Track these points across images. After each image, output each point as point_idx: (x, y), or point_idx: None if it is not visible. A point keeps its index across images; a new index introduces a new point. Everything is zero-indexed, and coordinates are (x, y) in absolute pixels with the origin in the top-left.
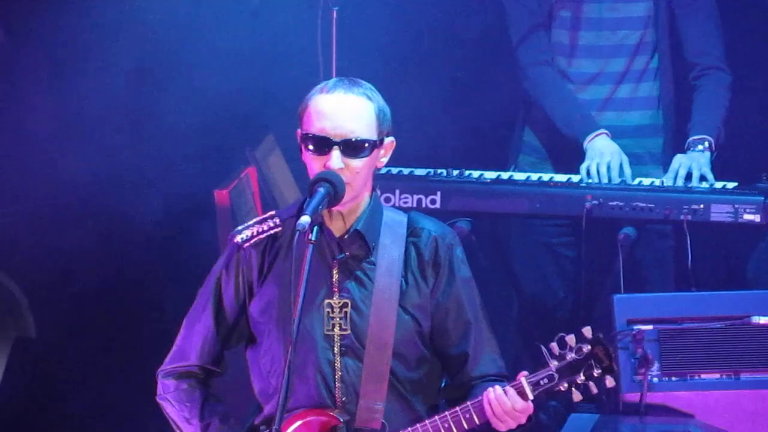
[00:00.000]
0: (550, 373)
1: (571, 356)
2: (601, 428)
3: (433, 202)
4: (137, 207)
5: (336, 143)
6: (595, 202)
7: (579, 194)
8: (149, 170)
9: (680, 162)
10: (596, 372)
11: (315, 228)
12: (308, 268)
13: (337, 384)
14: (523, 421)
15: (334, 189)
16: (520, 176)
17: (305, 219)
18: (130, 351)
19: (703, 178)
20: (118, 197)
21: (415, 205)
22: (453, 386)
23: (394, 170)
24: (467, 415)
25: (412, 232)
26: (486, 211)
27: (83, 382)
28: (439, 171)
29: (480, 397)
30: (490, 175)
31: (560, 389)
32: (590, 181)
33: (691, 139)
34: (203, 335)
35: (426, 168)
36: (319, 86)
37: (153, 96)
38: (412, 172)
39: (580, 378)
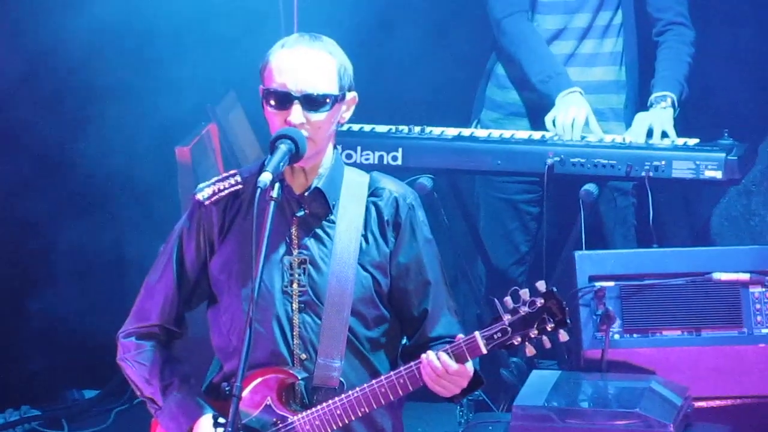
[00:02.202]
0: (503, 326)
1: (524, 310)
2: (563, 384)
3: (394, 158)
4: (100, 163)
5: (296, 98)
6: (556, 158)
7: (540, 151)
8: (111, 127)
9: (642, 119)
10: (549, 326)
11: (277, 185)
12: (270, 225)
13: (296, 341)
14: (464, 384)
15: (296, 146)
16: (481, 133)
17: (266, 176)
18: (91, 308)
19: (665, 135)
20: (82, 152)
21: (376, 161)
22: (411, 347)
23: (356, 127)
24: (401, 381)
25: (374, 191)
26: (448, 168)
27: (45, 338)
28: (400, 128)
29: (412, 364)
30: (451, 132)
31: (514, 343)
32: (553, 133)
33: (653, 95)
34: (164, 294)
35: (388, 124)
36: (280, 42)
37: (113, 52)
38: (373, 128)
39: (534, 332)
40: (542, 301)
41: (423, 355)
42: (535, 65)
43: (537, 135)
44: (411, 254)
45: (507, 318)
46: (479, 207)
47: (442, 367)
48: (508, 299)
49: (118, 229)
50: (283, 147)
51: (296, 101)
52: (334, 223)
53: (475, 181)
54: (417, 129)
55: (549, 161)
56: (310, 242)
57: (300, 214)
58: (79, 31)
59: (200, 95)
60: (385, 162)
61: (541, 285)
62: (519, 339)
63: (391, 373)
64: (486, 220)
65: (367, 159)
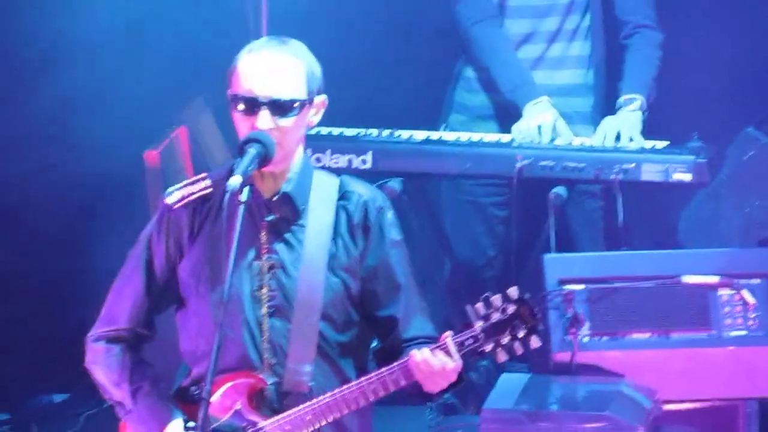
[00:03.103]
0: (475, 333)
1: (496, 316)
2: (533, 387)
3: (363, 162)
4: (68, 168)
5: (264, 103)
6: (525, 161)
7: (509, 154)
8: (81, 131)
9: (609, 123)
10: (521, 332)
11: (246, 189)
12: (239, 229)
13: (265, 345)
14: (454, 379)
15: (265, 149)
16: (450, 136)
17: (236, 179)
18: (61, 313)
19: (631, 139)
20: (48, 158)
21: (345, 165)
22: (383, 349)
23: (325, 130)
24: (393, 377)
25: (343, 195)
26: (417, 172)
27: (14, 343)
28: (369, 131)
29: (406, 359)
30: (420, 135)
31: (485, 350)
32: (521, 141)
33: (622, 98)
34: (133, 298)
35: (357, 128)
36: (248, 46)
37: (84, 58)
38: (342, 132)
39: (505, 338)
40: (514, 307)
41: (415, 352)
42: (503, 74)
43: (506, 138)
44: (380, 257)
45: (479, 325)
46: (446, 210)
47: (438, 364)
48: (479, 305)
49: (86, 232)
50: (252, 150)
51: (264, 107)
52: (303, 227)
53: (441, 184)
54: (386, 132)
55: (518, 164)
56: (280, 247)
57: (269, 218)
58: (47, 32)
59: (169, 99)
60: (354, 165)
61: (513, 291)
62: (491, 346)
63: (383, 370)
64: (453, 223)
65: (336, 162)
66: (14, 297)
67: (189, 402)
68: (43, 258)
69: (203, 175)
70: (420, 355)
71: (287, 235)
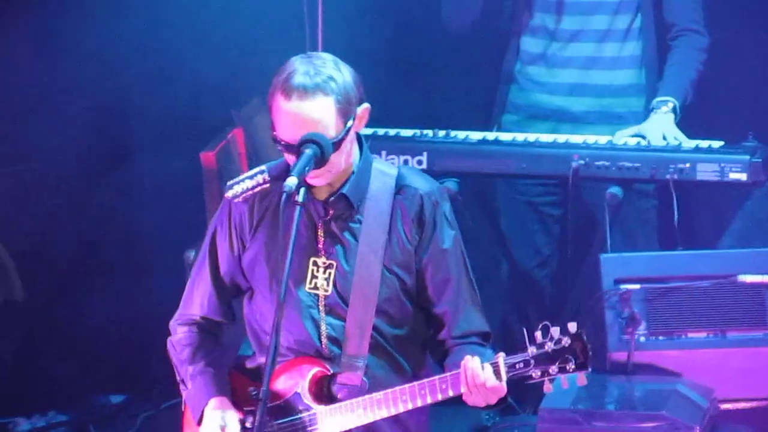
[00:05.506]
0: (527, 358)
1: (549, 346)
2: (589, 387)
3: (419, 162)
4: (125, 170)
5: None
6: (581, 161)
7: (565, 154)
8: (136, 133)
9: (652, 126)
10: (570, 366)
11: (302, 189)
12: (295, 230)
13: (323, 340)
14: (493, 401)
15: (321, 150)
16: (506, 136)
17: (292, 181)
18: (118, 314)
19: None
20: (106, 161)
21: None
22: (436, 343)
23: (381, 131)
24: (444, 386)
25: (400, 189)
26: (472, 172)
27: (72, 344)
28: (425, 131)
29: (457, 371)
30: (476, 135)
31: (533, 376)
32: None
33: (655, 100)
34: (203, 290)
35: (412, 128)
36: (281, 77)
37: (140, 61)
38: (398, 132)
39: (554, 369)
40: (569, 341)
41: (468, 358)
42: None
43: (562, 138)
44: (433, 251)
45: (532, 350)
46: (502, 210)
47: (483, 377)
48: (537, 333)
49: (145, 235)
50: (308, 151)
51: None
52: (359, 224)
53: (497, 184)
54: (442, 133)
55: (574, 164)
56: (336, 244)
57: (325, 216)
58: (106, 36)
59: (225, 100)
60: (410, 165)
61: (572, 326)
62: (538, 373)
63: (435, 378)
64: (508, 222)
65: (392, 163)
66: (74, 299)
67: (253, 377)
68: (103, 260)
69: (261, 168)
70: (471, 362)
71: (343, 233)
